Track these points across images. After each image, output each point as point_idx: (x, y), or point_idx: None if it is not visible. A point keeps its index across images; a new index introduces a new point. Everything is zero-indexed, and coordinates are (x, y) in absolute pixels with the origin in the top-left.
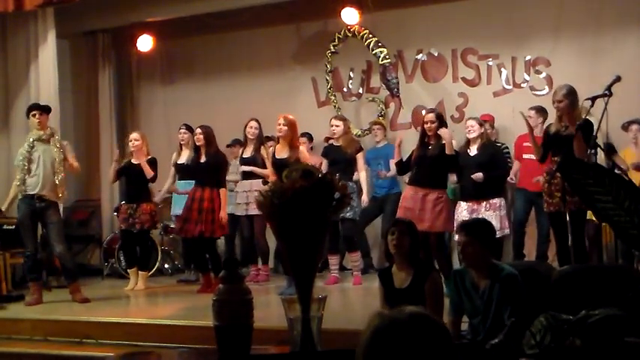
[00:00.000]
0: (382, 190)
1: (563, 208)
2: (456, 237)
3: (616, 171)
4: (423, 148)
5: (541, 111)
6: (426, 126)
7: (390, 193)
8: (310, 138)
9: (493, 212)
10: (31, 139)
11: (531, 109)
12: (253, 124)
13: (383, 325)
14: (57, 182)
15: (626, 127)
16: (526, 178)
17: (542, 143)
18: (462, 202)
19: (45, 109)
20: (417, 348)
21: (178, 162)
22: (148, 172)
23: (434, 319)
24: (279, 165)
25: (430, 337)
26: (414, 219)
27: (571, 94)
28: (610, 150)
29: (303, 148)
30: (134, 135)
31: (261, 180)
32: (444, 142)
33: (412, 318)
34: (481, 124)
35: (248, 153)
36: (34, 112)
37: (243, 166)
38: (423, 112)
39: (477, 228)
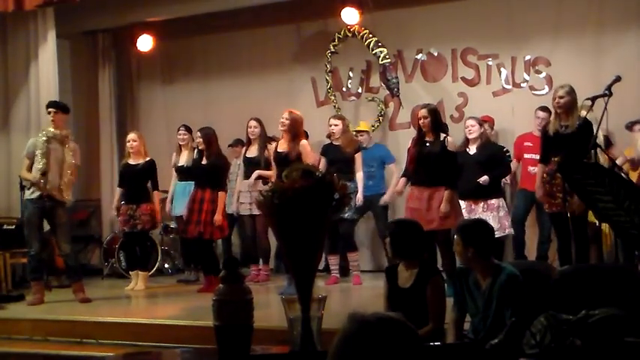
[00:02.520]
0: (369, 190)
1: (565, 209)
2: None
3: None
4: (421, 146)
5: (549, 111)
6: (419, 122)
7: (377, 193)
8: (306, 136)
9: (491, 213)
10: (48, 136)
11: (541, 109)
12: (252, 123)
13: (352, 329)
14: (62, 185)
15: (630, 127)
16: (526, 179)
17: (541, 144)
18: (460, 202)
19: (62, 108)
20: (384, 352)
21: (178, 164)
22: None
23: (404, 324)
24: (280, 159)
25: (398, 341)
26: (421, 219)
27: (572, 92)
28: (607, 144)
29: (305, 142)
30: (132, 135)
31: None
32: (442, 138)
33: (381, 322)
34: (481, 124)
35: (252, 152)
36: (49, 110)
37: (253, 176)
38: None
39: (468, 229)
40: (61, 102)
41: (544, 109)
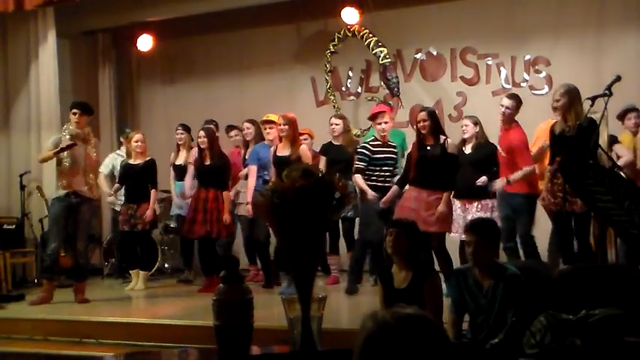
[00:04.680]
0: None
1: (565, 208)
2: (463, 236)
3: (616, 170)
4: (421, 149)
5: (517, 99)
6: (419, 125)
7: None
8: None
9: (484, 213)
10: (71, 134)
11: (507, 96)
12: (246, 125)
13: (375, 330)
14: (90, 181)
15: (622, 115)
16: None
17: (550, 144)
18: (455, 200)
19: (86, 110)
20: (411, 349)
21: (176, 163)
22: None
23: (426, 319)
24: (280, 163)
25: (423, 337)
26: (417, 220)
27: (569, 92)
28: (612, 141)
29: (304, 147)
30: (139, 136)
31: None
32: (442, 141)
33: (404, 320)
34: (476, 124)
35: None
36: (74, 111)
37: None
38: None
39: (485, 228)
40: (86, 103)
41: (511, 96)
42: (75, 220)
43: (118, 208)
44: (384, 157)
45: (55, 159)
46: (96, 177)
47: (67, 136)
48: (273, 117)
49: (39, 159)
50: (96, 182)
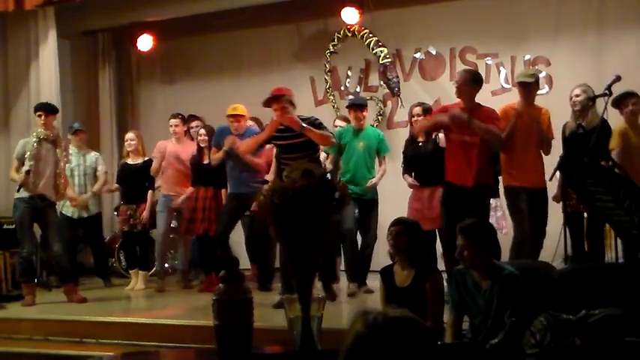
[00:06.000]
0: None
1: (580, 209)
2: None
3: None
4: (413, 146)
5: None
6: (412, 119)
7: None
8: None
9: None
10: (39, 137)
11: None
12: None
13: (364, 332)
14: (59, 186)
15: (619, 101)
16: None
17: (563, 145)
18: None
19: (51, 110)
20: (399, 352)
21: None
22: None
23: (415, 321)
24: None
25: (411, 340)
26: (424, 219)
27: (588, 90)
28: None
29: None
30: (130, 135)
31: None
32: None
33: (392, 322)
34: None
35: None
36: (39, 113)
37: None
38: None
39: (472, 230)
40: (49, 103)
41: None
42: (45, 224)
43: (70, 213)
44: (291, 142)
45: (17, 162)
46: (65, 181)
47: (35, 140)
48: (240, 109)
49: (11, 178)
50: (65, 186)
